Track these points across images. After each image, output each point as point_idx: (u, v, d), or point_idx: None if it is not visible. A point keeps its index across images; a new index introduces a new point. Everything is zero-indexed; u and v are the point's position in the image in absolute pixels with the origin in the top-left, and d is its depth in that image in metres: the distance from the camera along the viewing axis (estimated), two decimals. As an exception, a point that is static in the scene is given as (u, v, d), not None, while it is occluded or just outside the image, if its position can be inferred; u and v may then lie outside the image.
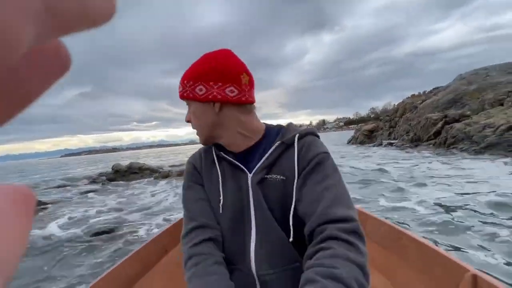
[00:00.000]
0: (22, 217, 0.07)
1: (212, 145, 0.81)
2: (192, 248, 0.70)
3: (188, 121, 0.78)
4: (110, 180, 14.21)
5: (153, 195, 8.86)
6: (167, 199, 7.75)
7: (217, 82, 0.68)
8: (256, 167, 0.72)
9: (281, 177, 0.70)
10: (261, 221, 0.70)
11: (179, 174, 13.11)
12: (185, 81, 0.71)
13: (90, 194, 10.29)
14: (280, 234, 0.69)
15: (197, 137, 0.79)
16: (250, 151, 0.76)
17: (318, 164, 0.67)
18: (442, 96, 21.15)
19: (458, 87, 21.03)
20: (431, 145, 14.54)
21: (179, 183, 10.76)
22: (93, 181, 14.38)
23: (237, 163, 0.74)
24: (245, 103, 0.72)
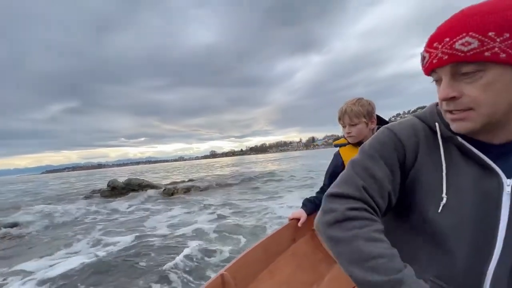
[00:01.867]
0: None
1: (432, 122, 0.61)
2: (351, 211, 0.55)
3: (451, 98, 0.52)
4: (105, 196, 12.70)
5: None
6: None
7: None
8: None
9: None
10: None
11: (187, 190, 11.80)
12: (492, 33, 0.45)
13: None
14: None
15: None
16: (509, 145, 0.55)
17: None
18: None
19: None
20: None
21: (201, 204, 9.52)
22: (87, 197, 12.79)
23: (484, 158, 0.54)
24: None
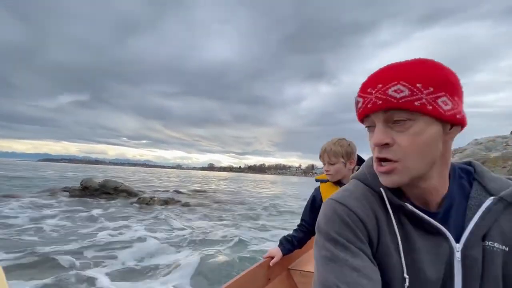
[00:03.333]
0: None
1: (375, 191, 0.58)
2: None
3: (383, 145, 0.51)
4: (74, 196, 11.24)
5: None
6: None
7: (460, 98, 0.51)
8: (468, 231, 0.51)
9: (503, 247, 0.51)
10: None
11: (164, 203, 10.35)
12: (419, 85, 0.48)
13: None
14: None
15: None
16: (443, 204, 0.54)
17: None
18: (459, 159, 19.84)
19: (476, 152, 19.99)
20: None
21: (164, 215, 8.09)
22: (51, 195, 11.31)
23: (436, 224, 0.52)
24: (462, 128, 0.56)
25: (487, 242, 0.50)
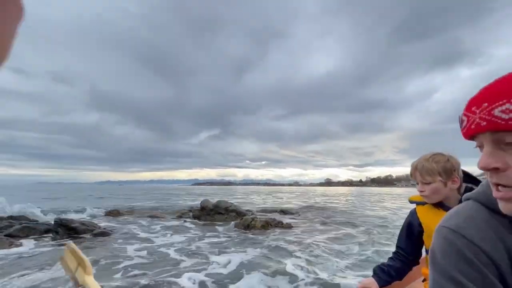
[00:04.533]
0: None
1: (502, 216, 0.48)
2: None
3: (492, 169, 0.46)
4: (195, 217, 12.99)
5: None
6: None
7: None
8: None
9: None
10: None
11: (264, 225, 10.08)
12: None
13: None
14: None
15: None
16: None
17: None
18: None
19: None
20: None
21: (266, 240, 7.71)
22: (180, 216, 13.59)
23: None
24: None
25: None
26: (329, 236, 8.88)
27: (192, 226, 10.84)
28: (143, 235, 8.86)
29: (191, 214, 13.76)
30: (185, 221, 12.27)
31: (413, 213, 1.27)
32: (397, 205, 22.84)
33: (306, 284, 4.70)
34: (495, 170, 0.45)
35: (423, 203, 1.22)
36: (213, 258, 6.24)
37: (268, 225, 10.15)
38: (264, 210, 16.05)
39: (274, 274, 5.10)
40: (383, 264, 1.34)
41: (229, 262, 5.89)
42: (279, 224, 10.45)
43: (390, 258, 1.35)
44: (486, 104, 0.44)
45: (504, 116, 0.42)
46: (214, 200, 14.39)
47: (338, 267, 5.63)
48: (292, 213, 15.26)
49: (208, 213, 12.95)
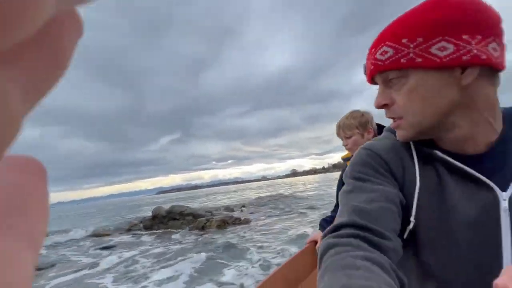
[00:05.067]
0: (42, 186, 0.07)
1: (405, 143, 0.56)
2: (336, 239, 0.45)
3: (383, 106, 0.53)
4: (147, 228, 11.73)
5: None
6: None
7: (475, 35, 0.42)
8: None
9: None
10: None
11: (220, 224, 9.39)
12: (405, 40, 0.46)
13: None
14: None
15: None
16: (488, 153, 0.49)
17: None
18: None
19: None
20: None
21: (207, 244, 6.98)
22: (129, 229, 12.15)
23: (475, 173, 0.47)
24: (501, 70, 0.47)
25: None
26: (282, 224, 8.54)
27: (142, 239, 9.66)
28: (78, 261, 7.52)
29: (141, 225, 12.42)
30: (134, 234, 10.99)
31: (344, 168, 1.39)
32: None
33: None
34: (386, 106, 0.52)
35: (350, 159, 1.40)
36: (155, 276, 5.36)
37: (224, 223, 9.49)
38: (227, 208, 15.35)
39: (220, 285, 4.46)
40: (327, 217, 1.46)
41: (172, 277, 5.08)
42: (237, 221, 9.85)
43: (332, 211, 1.51)
44: (373, 50, 0.51)
45: (381, 57, 0.48)
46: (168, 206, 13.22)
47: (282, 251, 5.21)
48: (252, 207, 14.82)
49: (161, 221, 11.78)
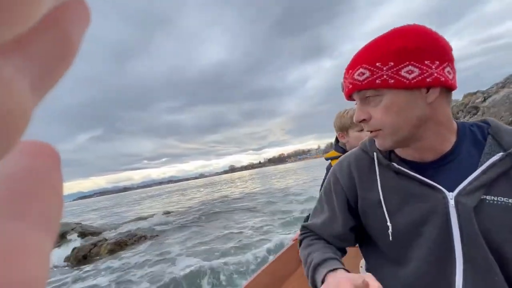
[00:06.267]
0: (56, 171, 0.07)
1: (371, 152, 0.68)
2: (303, 235, 0.79)
3: (362, 120, 0.60)
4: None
5: None
6: None
7: (434, 61, 0.52)
8: (465, 183, 0.55)
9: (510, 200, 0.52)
10: (475, 263, 0.52)
11: (113, 248, 6.68)
12: (379, 63, 0.54)
13: None
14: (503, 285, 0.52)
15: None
16: (442, 161, 0.59)
17: None
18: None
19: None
20: None
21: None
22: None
23: (427, 180, 0.58)
24: (454, 90, 0.58)
25: (487, 196, 0.52)
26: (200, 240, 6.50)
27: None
28: None
29: None
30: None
31: (329, 169, 1.42)
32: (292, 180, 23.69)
33: None
34: (364, 121, 0.59)
35: (337, 157, 1.42)
36: None
37: (123, 245, 6.83)
38: (140, 218, 12.27)
39: None
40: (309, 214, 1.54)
41: None
42: (141, 239, 7.31)
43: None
44: (351, 71, 0.58)
45: (359, 78, 0.56)
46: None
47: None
48: (173, 215, 12.27)
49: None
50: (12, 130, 0.06)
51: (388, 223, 0.59)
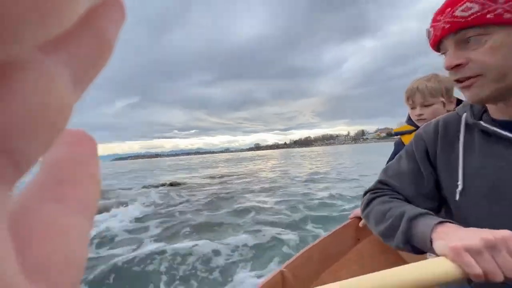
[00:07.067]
0: (93, 159, 0.08)
1: (462, 112, 0.63)
2: (374, 194, 0.70)
3: (455, 66, 0.53)
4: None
5: None
6: None
7: None
8: None
9: None
10: None
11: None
12: None
13: None
14: None
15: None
16: None
17: None
18: None
19: None
20: None
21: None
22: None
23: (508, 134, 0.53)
24: None
25: None
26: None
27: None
28: None
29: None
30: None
31: (398, 144, 1.32)
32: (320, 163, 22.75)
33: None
34: (457, 66, 0.52)
35: (409, 132, 1.24)
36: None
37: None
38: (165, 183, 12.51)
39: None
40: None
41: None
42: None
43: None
44: (449, 9, 0.51)
45: (464, 14, 0.48)
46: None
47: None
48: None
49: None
50: (56, 125, 0.06)
51: (458, 182, 0.58)
